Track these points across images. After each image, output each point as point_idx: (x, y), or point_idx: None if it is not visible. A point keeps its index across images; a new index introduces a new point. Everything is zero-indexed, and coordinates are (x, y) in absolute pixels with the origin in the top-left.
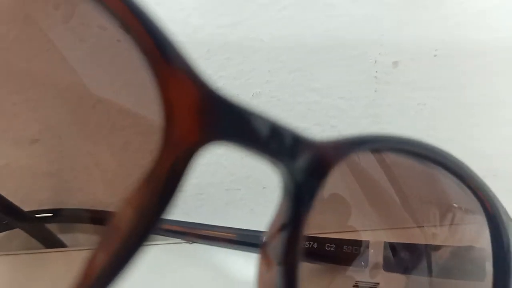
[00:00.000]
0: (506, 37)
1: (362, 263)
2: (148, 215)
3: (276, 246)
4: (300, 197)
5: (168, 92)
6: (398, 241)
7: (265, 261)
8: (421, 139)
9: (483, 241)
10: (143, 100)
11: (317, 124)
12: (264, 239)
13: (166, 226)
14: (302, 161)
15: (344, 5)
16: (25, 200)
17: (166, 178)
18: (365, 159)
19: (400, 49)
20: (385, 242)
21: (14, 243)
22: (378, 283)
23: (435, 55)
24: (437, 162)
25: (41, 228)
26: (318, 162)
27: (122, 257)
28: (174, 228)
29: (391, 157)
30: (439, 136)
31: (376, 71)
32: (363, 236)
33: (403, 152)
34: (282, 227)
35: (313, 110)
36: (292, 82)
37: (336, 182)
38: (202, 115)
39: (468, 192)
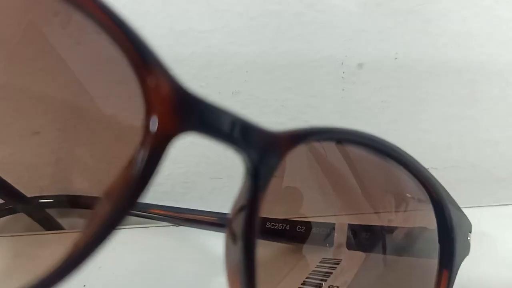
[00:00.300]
0: (452, 42)
1: (327, 243)
2: (131, 194)
3: (238, 223)
4: (257, 179)
5: (147, 91)
6: (359, 224)
7: (231, 237)
8: (371, 133)
9: (431, 223)
10: (128, 98)
11: (291, 119)
12: (230, 216)
13: (156, 211)
14: (258, 148)
15: (312, 14)
16: (27, 187)
17: (145, 164)
18: (319, 149)
19: (364, 52)
20: (348, 224)
21: (17, 226)
22: (340, 259)
23: (395, 58)
24: (387, 154)
25: (42, 213)
26: (272, 148)
27: (104, 233)
28: (163, 212)
29: (344, 148)
30: (399, 130)
31: (343, 72)
32: (329, 219)
33: (354, 143)
34: (243, 206)
35: (287, 107)
36: (268, 81)
37: (292, 169)
38: (175, 110)
39: (417, 181)
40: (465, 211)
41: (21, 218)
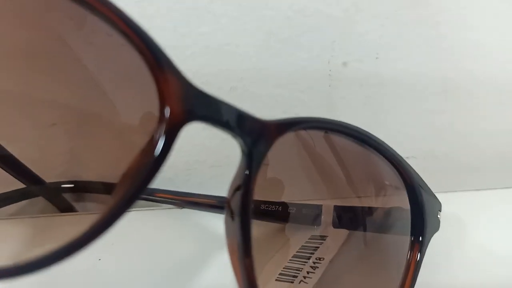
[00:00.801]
0: (425, 45)
1: (315, 223)
2: (141, 178)
3: (235, 200)
4: (250, 160)
5: (161, 88)
6: (343, 205)
7: (229, 214)
8: (352, 124)
9: (405, 204)
10: (143, 94)
11: (283, 112)
12: (228, 196)
13: (161, 195)
14: (251, 134)
15: (301, 18)
16: (45, 173)
17: (162, 146)
18: (306, 137)
19: (348, 53)
20: (334, 206)
21: (35, 208)
22: (327, 236)
23: (376, 58)
24: (368, 143)
25: (59, 196)
26: (263, 134)
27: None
28: (167, 196)
29: (329, 137)
30: (380, 122)
31: (330, 70)
32: (317, 202)
33: (337, 133)
34: (239, 185)
35: (279, 102)
36: (262, 78)
37: (283, 154)
38: (184, 103)
39: (393, 168)
40: (440, 195)
41: (39, 201)
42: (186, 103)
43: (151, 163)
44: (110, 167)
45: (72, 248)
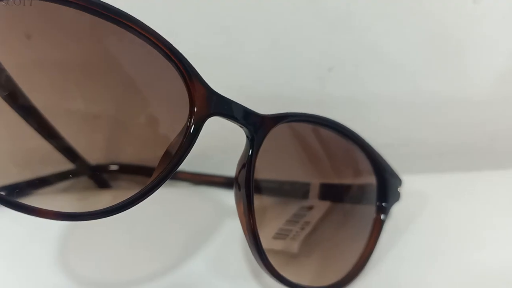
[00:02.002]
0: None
1: (305, 196)
2: (179, 154)
3: (241, 175)
4: (252, 144)
5: (191, 92)
6: (327, 182)
7: (237, 185)
8: (332, 118)
9: (372, 181)
10: (178, 96)
11: (282, 109)
12: (236, 173)
13: (181, 175)
14: (253, 125)
15: (295, 32)
16: (89, 156)
17: (190, 133)
18: (297, 127)
19: (333, 60)
20: (319, 183)
21: (79, 186)
22: (313, 206)
23: (356, 64)
24: (345, 134)
25: (100, 176)
26: (262, 125)
27: (162, 178)
28: (186, 175)
29: (315, 128)
30: (360, 117)
31: (318, 74)
32: (306, 179)
33: (322, 125)
34: (244, 163)
35: (278, 98)
36: (263, 80)
37: (278, 142)
38: (207, 103)
39: (364, 153)
40: (410, 176)
41: (82, 180)
42: (208, 103)
43: (185, 144)
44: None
45: (126, 204)
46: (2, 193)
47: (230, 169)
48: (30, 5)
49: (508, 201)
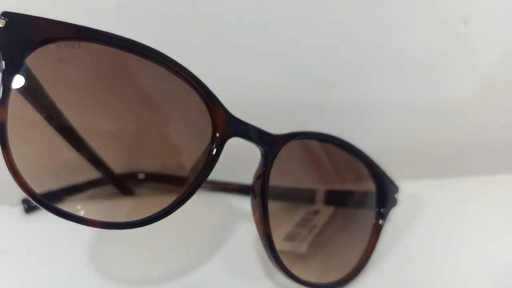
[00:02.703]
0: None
1: (312, 201)
2: (203, 171)
3: (257, 185)
4: (266, 160)
5: (214, 116)
6: (331, 189)
7: (253, 194)
8: (335, 134)
9: (372, 188)
10: (200, 120)
11: (289, 119)
12: (252, 183)
13: None
14: (267, 144)
15: (300, 52)
16: (115, 166)
17: (213, 154)
18: (305, 143)
19: (335, 76)
20: (325, 190)
21: (104, 193)
22: (319, 210)
23: (357, 79)
24: (347, 149)
25: (124, 184)
26: (274, 143)
27: (191, 191)
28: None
29: (319, 143)
30: (359, 129)
31: (322, 89)
32: (314, 187)
33: (326, 141)
34: (259, 175)
35: (286, 111)
36: (272, 97)
37: (289, 155)
38: (227, 126)
39: (364, 164)
40: (407, 181)
41: (108, 188)
42: (228, 126)
43: (210, 161)
44: (172, 166)
45: (164, 213)
46: (59, 206)
47: (243, 177)
48: (79, 47)
49: (500, 204)
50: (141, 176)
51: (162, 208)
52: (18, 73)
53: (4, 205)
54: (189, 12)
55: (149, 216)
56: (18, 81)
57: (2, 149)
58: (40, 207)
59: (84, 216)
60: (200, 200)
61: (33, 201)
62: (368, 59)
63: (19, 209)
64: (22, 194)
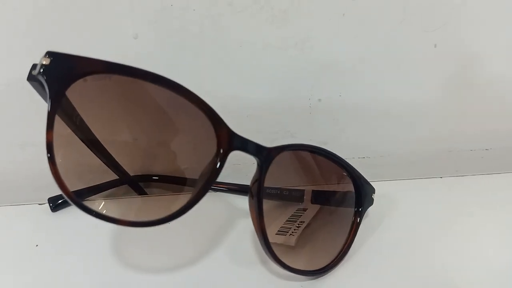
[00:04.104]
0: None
1: (300, 201)
2: (209, 179)
3: (254, 188)
4: (262, 169)
5: (218, 134)
6: (317, 189)
7: (251, 195)
8: (320, 145)
9: (351, 189)
10: (208, 134)
11: (280, 131)
12: (250, 186)
13: None
14: (263, 155)
15: (292, 70)
16: (129, 168)
17: (216, 165)
18: (295, 153)
19: (322, 92)
20: (312, 190)
21: (120, 192)
22: (306, 209)
23: (340, 95)
24: (330, 157)
25: (137, 185)
26: (269, 155)
27: (200, 196)
28: None
29: (307, 154)
30: (345, 138)
31: (310, 104)
32: (302, 188)
33: (312, 151)
34: (255, 180)
35: (278, 124)
36: (266, 112)
37: (281, 163)
38: (229, 141)
39: (344, 169)
40: (380, 183)
41: (122, 188)
42: (230, 142)
43: (216, 170)
44: (177, 171)
45: (177, 214)
46: (95, 209)
47: (241, 178)
48: (110, 79)
49: (466, 203)
50: (155, 178)
51: (176, 210)
52: (61, 102)
53: (33, 203)
54: (197, 39)
55: (165, 217)
56: (61, 108)
57: (49, 162)
58: (77, 207)
59: (115, 216)
60: (204, 199)
61: (74, 205)
62: (349, 74)
63: (46, 207)
64: (48, 194)
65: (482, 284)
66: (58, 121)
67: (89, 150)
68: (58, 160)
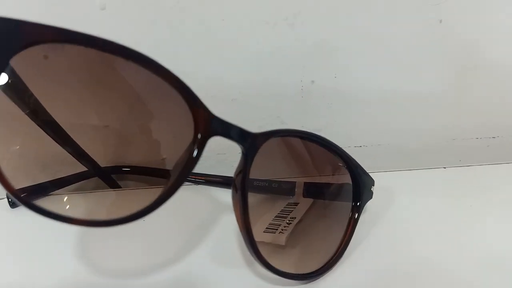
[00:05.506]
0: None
1: (291, 194)
2: (184, 170)
3: (238, 180)
4: (246, 158)
5: (196, 117)
6: (310, 182)
7: (234, 189)
8: (314, 132)
9: (349, 181)
10: (184, 117)
11: (269, 117)
12: (234, 178)
13: None
14: (247, 142)
15: (282, 52)
16: (100, 160)
17: (192, 153)
18: (283, 140)
19: (314, 74)
20: (303, 182)
21: (90, 186)
22: (298, 203)
23: (335, 77)
24: (324, 144)
25: (109, 177)
26: (254, 142)
27: (173, 189)
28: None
29: (297, 140)
30: (339, 123)
31: (302, 86)
32: (293, 180)
33: (304, 138)
34: (240, 171)
35: (267, 109)
36: (256, 94)
37: (269, 151)
38: (209, 125)
39: (340, 158)
40: (379, 173)
41: (93, 181)
42: (209, 126)
43: (192, 159)
44: (155, 160)
45: (146, 210)
46: (40, 205)
47: (225, 169)
48: (62, 49)
49: (472, 195)
50: (126, 169)
51: (145, 205)
52: (2, 73)
53: None
54: (172, 12)
55: (133, 214)
56: (2, 80)
57: None
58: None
59: (68, 215)
60: (185, 193)
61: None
62: (345, 54)
63: (4, 202)
64: None
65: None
66: (3, 100)
67: (49, 137)
68: (0, 147)
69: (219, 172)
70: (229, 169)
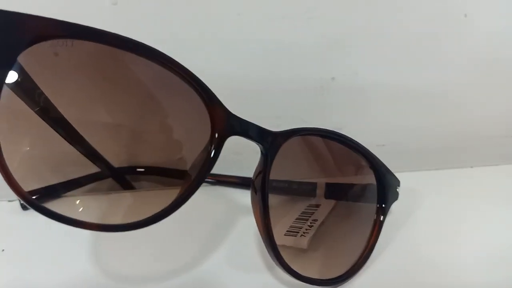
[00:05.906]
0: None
1: (312, 195)
2: (202, 171)
3: (257, 181)
4: (266, 158)
5: (212, 114)
6: (332, 182)
7: (254, 190)
8: (335, 130)
9: (373, 182)
10: (201, 116)
11: (288, 115)
12: (253, 179)
13: None
14: (267, 142)
15: (301, 49)
16: (115, 161)
17: (210, 154)
18: (304, 139)
19: (334, 71)
20: (325, 183)
21: (103, 187)
22: (320, 205)
23: (356, 74)
24: (347, 143)
25: (123, 178)
26: (274, 141)
27: (191, 191)
28: None
29: (318, 139)
30: (360, 120)
31: (322, 84)
32: (314, 180)
33: (326, 136)
34: (259, 172)
35: (289, 105)
36: (269, 94)
37: (290, 151)
38: (227, 124)
39: (364, 157)
40: (404, 173)
41: (107, 181)
42: (227, 125)
43: (209, 160)
44: (171, 160)
45: (164, 213)
46: (51, 208)
47: (241, 170)
48: (72, 45)
49: (494, 194)
50: (140, 169)
51: (163, 208)
52: (10, 70)
53: (2, 200)
54: (187, 7)
55: (148, 218)
56: (10, 78)
57: None
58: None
59: (80, 219)
60: (200, 194)
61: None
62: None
63: (16, 204)
64: None
65: None
66: (13, 98)
67: (60, 137)
68: (8, 145)
69: (236, 173)
70: (246, 170)
